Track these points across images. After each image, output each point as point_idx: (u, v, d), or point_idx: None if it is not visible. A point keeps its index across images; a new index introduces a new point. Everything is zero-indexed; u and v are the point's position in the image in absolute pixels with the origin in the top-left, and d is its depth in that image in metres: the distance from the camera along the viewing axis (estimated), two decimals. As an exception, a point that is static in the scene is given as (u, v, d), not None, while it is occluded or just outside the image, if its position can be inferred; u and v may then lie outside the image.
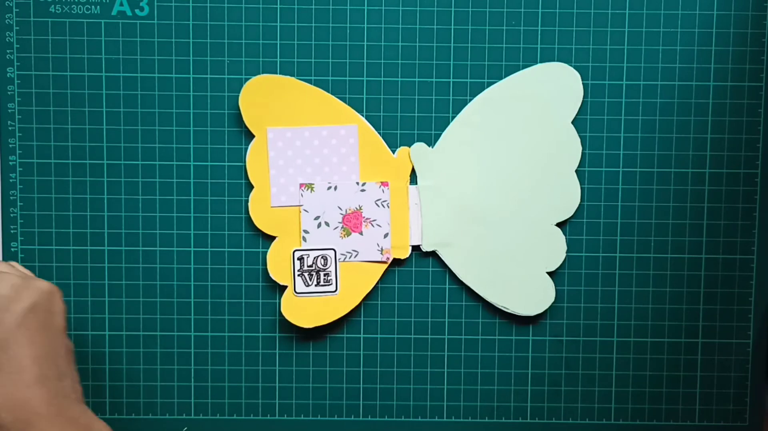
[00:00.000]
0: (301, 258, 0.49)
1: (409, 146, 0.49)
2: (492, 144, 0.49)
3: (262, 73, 0.49)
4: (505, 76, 0.49)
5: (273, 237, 0.49)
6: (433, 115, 0.49)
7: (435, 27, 0.49)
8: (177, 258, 0.50)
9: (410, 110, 0.49)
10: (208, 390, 0.50)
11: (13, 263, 0.46)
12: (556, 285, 0.50)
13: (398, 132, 0.49)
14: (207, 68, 0.49)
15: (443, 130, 0.49)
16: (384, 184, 0.49)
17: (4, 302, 0.39)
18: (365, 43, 0.49)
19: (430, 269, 0.50)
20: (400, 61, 0.49)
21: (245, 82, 0.48)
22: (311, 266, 0.49)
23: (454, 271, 0.49)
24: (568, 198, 0.49)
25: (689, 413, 0.51)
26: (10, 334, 0.38)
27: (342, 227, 0.49)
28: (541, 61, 0.49)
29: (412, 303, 0.50)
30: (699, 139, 0.49)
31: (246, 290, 0.50)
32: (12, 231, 0.49)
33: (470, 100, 0.49)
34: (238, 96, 0.48)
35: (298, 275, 0.49)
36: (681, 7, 0.49)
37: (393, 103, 0.49)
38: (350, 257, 0.49)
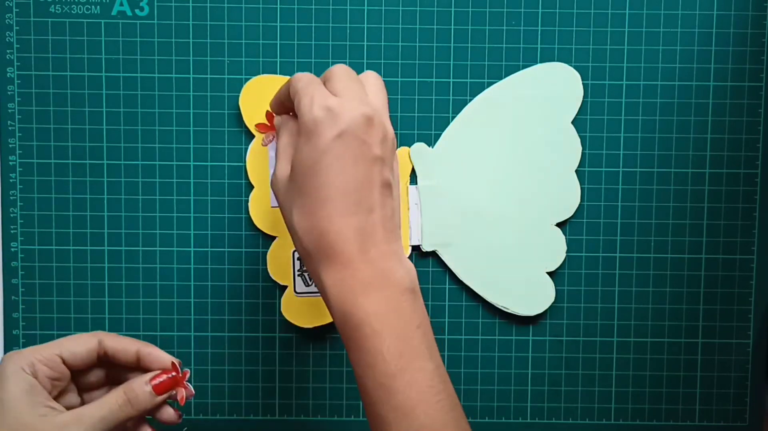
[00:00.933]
0: (301, 259, 0.49)
1: (409, 146, 0.49)
2: (492, 144, 0.49)
3: (262, 73, 0.49)
4: (505, 76, 0.49)
5: (273, 237, 0.49)
6: (433, 115, 0.49)
7: (435, 27, 0.49)
8: (177, 258, 0.50)
9: (410, 110, 0.49)
10: (208, 390, 0.50)
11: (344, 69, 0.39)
12: (556, 285, 0.50)
13: (398, 132, 0.49)
14: (207, 68, 0.49)
15: (443, 130, 0.49)
16: (384, 184, 0.49)
17: (316, 126, 0.36)
18: (365, 43, 0.49)
19: (430, 269, 0.50)
20: (400, 61, 0.49)
21: (245, 82, 0.48)
22: (311, 266, 0.49)
23: (454, 271, 0.49)
24: (568, 198, 0.49)
25: (689, 413, 0.51)
26: (320, 159, 0.36)
27: (342, 227, 0.49)
28: (541, 61, 0.49)
29: (412, 303, 0.50)
30: (699, 139, 0.49)
31: (246, 290, 0.50)
32: (12, 232, 0.49)
33: (470, 100, 0.49)
34: (238, 96, 0.48)
35: (298, 275, 0.49)
36: (681, 7, 0.49)
37: (393, 103, 0.49)
38: (350, 257, 0.49)
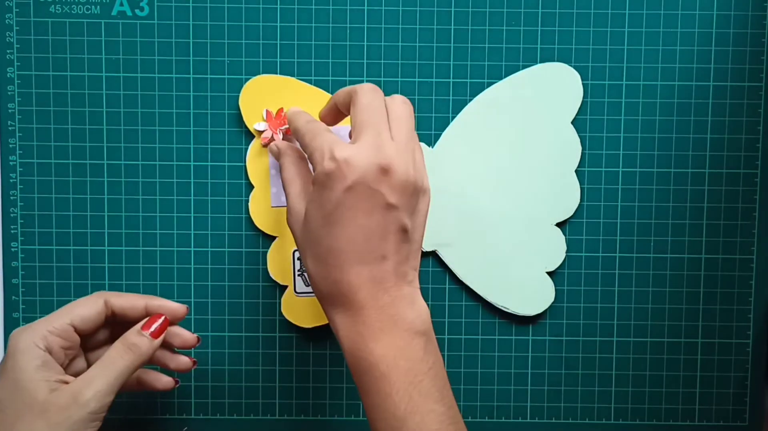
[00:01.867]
0: (301, 259, 0.49)
1: (409, 146, 0.49)
2: (492, 144, 0.49)
3: (262, 73, 0.49)
4: (505, 76, 0.49)
5: (273, 237, 0.49)
6: (433, 115, 0.49)
7: (435, 27, 0.49)
8: (177, 258, 0.50)
9: (410, 110, 0.49)
10: (208, 390, 0.50)
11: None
12: (556, 285, 0.50)
13: (398, 132, 0.49)
14: (207, 68, 0.49)
15: (443, 130, 0.49)
16: (384, 184, 0.49)
17: (327, 179, 0.36)
18: (365, 43, 0.49)
19: (430, 269, 0.50)
20: (400, 61, 0.49)
21: (245, 82, 0.48)
22: (311, 266, 0.49)
23: (454, 271, 0.49)
24: (568, 198, 0.49)
25: (689, 413, 0.51)
26: (332, 212, 0.37)
27: (342, 227, 0.49)
28: (541, 61, 0.49)
29: (412, 303, 0.50)
30: (699, 139, 0.49)
31: (246, 290, 0.50)
32: (12, 232, 0.49)
33: (470, 100, 0.49)
34: (238, 96, 0.48)
35: (298, 275, 0.49)
36: (681, 7, 0.49)
37: (393, 103, 0.49)
38: (350, 257, 0.49)
